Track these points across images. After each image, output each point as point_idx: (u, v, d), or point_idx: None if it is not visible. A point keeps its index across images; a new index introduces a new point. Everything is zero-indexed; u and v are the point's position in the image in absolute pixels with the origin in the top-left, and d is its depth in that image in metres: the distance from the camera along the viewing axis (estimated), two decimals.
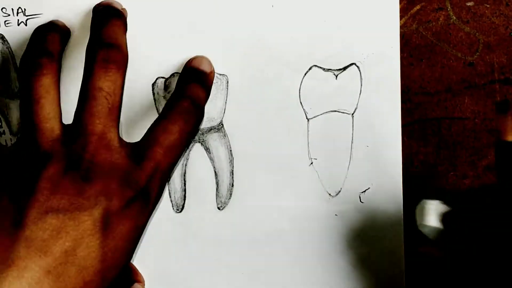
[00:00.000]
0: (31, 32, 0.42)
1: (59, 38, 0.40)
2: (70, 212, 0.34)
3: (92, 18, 0.41)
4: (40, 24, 0.41)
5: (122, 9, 0.41)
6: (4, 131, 0.44)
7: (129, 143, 0.38)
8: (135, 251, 0.37)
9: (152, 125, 0.38)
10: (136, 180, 0.36)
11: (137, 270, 0.46)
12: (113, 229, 0.35)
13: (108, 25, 0.39)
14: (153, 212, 0.37)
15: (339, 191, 0.46)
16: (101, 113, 0.36)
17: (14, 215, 0.34)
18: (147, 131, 0.38)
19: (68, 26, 0.42)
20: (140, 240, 0.37)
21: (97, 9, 0.41)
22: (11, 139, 0.44)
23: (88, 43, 0.38)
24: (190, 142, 0.39)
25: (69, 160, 0.35)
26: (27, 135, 0.36)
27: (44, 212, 0.34)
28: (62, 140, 0.36)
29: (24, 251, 0.33)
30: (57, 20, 0.41)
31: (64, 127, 0.37)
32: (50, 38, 0.39)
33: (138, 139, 0.38)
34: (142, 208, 0.36)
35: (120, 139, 0.37)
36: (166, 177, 0.38)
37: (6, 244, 0.33)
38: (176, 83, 0.42)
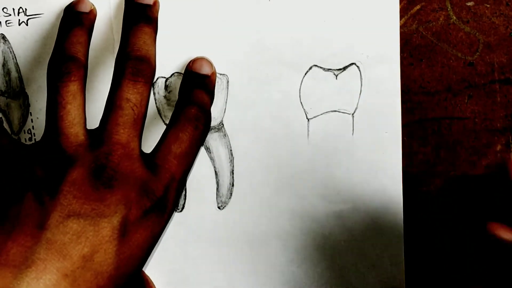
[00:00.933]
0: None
1: (86, 36, 0.40)
2: (91, 217, 0.35)
3: (123, 19, 0.41)
4: (67, 8, 0.41)
5: (153, 2, 0.41)
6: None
7: (145, 153, 0.38)
8: (148, 259, 0.37)
9: (163, 134, 0.39)
10: (154, 190, 0.36)
11: (152, 283, 0.46)
12: (130, 237, 0.35)
13: (138, 33, 0.39)
14: (169, 221, 0.38)
15: (340, 191, 0.46)
16: (126, 123, 0.37)
17: (37, 217, 0.34)
18: (159, 141, 0.39)
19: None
20: (154, 249, 0.38)
21: (127, 6, 0.41)
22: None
23: (118, 52, 0.39)
24: (200, 147, 0.40)
25: (93, 166, 0.36)
26: (51, 138, 0.37)
27: (66, 216, 0.34)
28: (86, 145, 0.36)
29: (44, 253, 0.33)
30: (84, 6, 0.41)
31: (88, 132, 0.37)
32: (78, 38, 0.39)
33: (141, 146, 0.39)
34: (158, 218, 0.37)
35: (140, 149, 0.38)
36: (181, 186, 0.39)
37: (28, 245, 0.33)
38: (180, 89, 0.42)
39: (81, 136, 0.37)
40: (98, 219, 0.35)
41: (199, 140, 0.39)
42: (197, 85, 0.41)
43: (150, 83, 0.38)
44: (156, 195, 0.36)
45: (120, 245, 0.35)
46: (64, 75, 0.37)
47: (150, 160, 0.38)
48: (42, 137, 0.37)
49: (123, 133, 0.37)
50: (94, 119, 0.39)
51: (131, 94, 0.37)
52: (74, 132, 0.37)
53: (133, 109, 0.37)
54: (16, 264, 0.33)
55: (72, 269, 0.34)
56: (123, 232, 0.35)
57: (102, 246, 0.34)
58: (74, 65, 0.38)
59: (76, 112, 0.37)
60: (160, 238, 0.38)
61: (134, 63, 0.38)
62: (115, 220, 0.35)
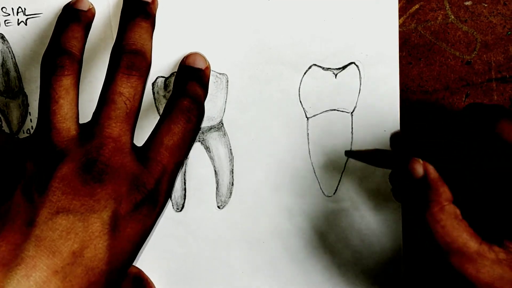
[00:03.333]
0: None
1: (83, 32, 0.39)
2: (80, 213, 0.34)
3: (121, 14, 0.40)
4: (66, 6, 0.41)
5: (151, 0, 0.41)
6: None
7: (137, 146, 0.38)
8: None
9: (155, 126, 0.38)
10: (145, 183, 0.36)
11: (152, 283, 0.46)
12: (121, 232, 0.35)
13: (134, 28, 0.39)
14: (161, 214, 0.38)
15: (339, 190, 0.46)
16: (119, 117, 0.37)
17: (27, 214, 0.34)
18: (151, 133, 0.38)
19: None
20: (145, 243, 0.37)
21: (125, 3, 0.41)
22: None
23: (113, 46, 0.39)
24: (194, 140, 0.39)
25: (83, 160, 0.35)
26: (42, 133, 0.36)
27: (55, 212, 0.34)
28: (77, 140, 0.36)
29: (33, 250, 0.33)
30: (83, 5, 0.41)
31: (80, 127, 0.37)
32: (74, 34, 0.39)
33: (138, 137, 0.38)
34: (149, 212, 0.36)
35: (132, 143, 0.37)
36: (173, 179, 0.38)
37: (17, 242, 0.33)
38: (174, 83, 0.42)
39: (73, 131, 0.36)
40: (88, 215, 0.34)
41: (191, 132, 0.39)
42: (191, 78, 0.41)
43: (144, 77, 0.38)
44: (147, 188, 0.36)
45: (111, 240, 0.35)
46: (57, 69, 0.37)
47: (142, 153, 0.37)
48: (34, 131, 0.37)
49: (115, 127, 0.36)
50: (89, 115, 0.39)
51: (124, 88, 0.37)
52: (66, 127, 0.36)
53: (125, 103, 0.37)
54: (6, 262, 0.33)
55: (62, 265, 0.33)
56: (114, 226, 0.35)
57: (92, 241, 0.34)
58: (68, 59, 0.37)
59: (68, 106, 0.37)
60: (156, 230, 0.38)
61: (128, 57, 0.38)
62: (105, 215, 0.35)
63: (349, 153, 0.45)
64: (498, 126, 0.35)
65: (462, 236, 0.36)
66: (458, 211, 0.36)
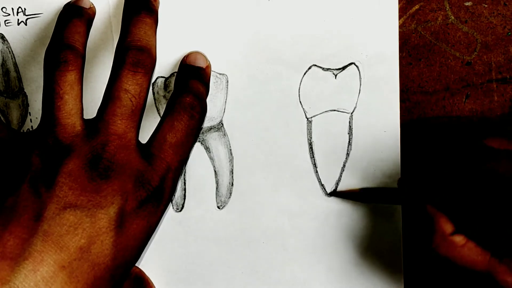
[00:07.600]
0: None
1: (85, 27, 0.39)
2: (87, 209, 0.35)
3: (123, 9, 0.40)
4: (67, 4, 0.41)
5: None
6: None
7: (142, 143, 0.38)
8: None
9: (158, 123, 0.39)
10: (150, 180, 0.36)
11: (152, 283, 0.46)
12: (127, 228, 0.35)
13: (138, 24, 0.39)
14: (165, 211, 0.38)
15: (338, 190, 0.46)
16: (124, 114, 0.37)
17: (34, 209, 0.34)
18: (154, 130, 0.38)
19: None
20: (150, 240, 0.38)
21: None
22: None
23: (118, 42, 0.39)
24: (197, 137, 0.39)
25: (89, 157, 0.36)
26: (47, 128, 0.36)
27: (63, 207, 0.34)
28: (83, 136, 0.36)
29: (41, 245, 0.33)
30: (84, 3, 0.41)
31: (85, 122, 0.37)
32: (77, 29, 0.39)
33: (138, 137, 0.38)
34: (154, 208, 0.37)
35: (137, 140, 0.38)
36: (178, 176, 0.38)
37: (25, 237, 0.33)
38: (175, 82, 0.42)
39: (78, 127, 0.37)
40: (95, 210, 0.35)
41: (194, 129, 0.39)
42: (192, 76, 0.41)
43: (150, 74, 0.38)
44: (152, 186, 0.36)
45: (117, 236, 0.35)
46: (61, 64, 0.37)
47: (146, 150, 0.38)
48: (38, 125, 0.37)
49: (120, 124, 0.37)
50: (90, 115, 0.39)
51: (130, 85, 0.37)
52: (71, 122, 0.36)
53: (131, 100, 0.37)
54: (13, 256, 0.33)
55: (69, 260, 0.34)
56: (120, 223, 0.35)
57: (99, 237, 0.34)
58: (71, 54, 0.37)
59: (73, 102, 0.37)
60: (156, 230, 0.38)
61: (134, 54, 0.38)
62: (112, 211, 0.35)
63: (334, 193, 0.46)
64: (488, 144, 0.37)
65: (486, 257, 0.38)
66: (461, 237, 0.39)
